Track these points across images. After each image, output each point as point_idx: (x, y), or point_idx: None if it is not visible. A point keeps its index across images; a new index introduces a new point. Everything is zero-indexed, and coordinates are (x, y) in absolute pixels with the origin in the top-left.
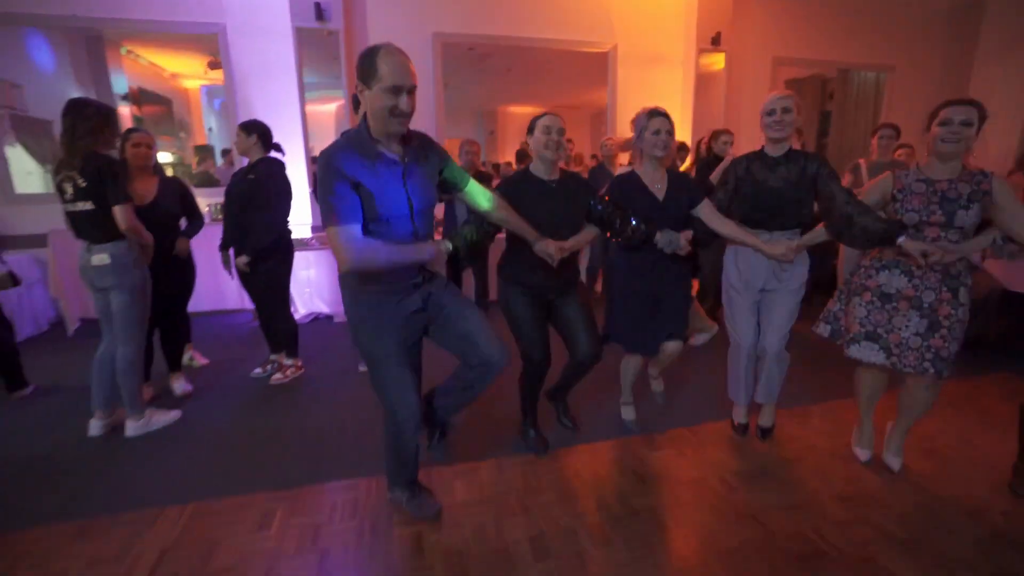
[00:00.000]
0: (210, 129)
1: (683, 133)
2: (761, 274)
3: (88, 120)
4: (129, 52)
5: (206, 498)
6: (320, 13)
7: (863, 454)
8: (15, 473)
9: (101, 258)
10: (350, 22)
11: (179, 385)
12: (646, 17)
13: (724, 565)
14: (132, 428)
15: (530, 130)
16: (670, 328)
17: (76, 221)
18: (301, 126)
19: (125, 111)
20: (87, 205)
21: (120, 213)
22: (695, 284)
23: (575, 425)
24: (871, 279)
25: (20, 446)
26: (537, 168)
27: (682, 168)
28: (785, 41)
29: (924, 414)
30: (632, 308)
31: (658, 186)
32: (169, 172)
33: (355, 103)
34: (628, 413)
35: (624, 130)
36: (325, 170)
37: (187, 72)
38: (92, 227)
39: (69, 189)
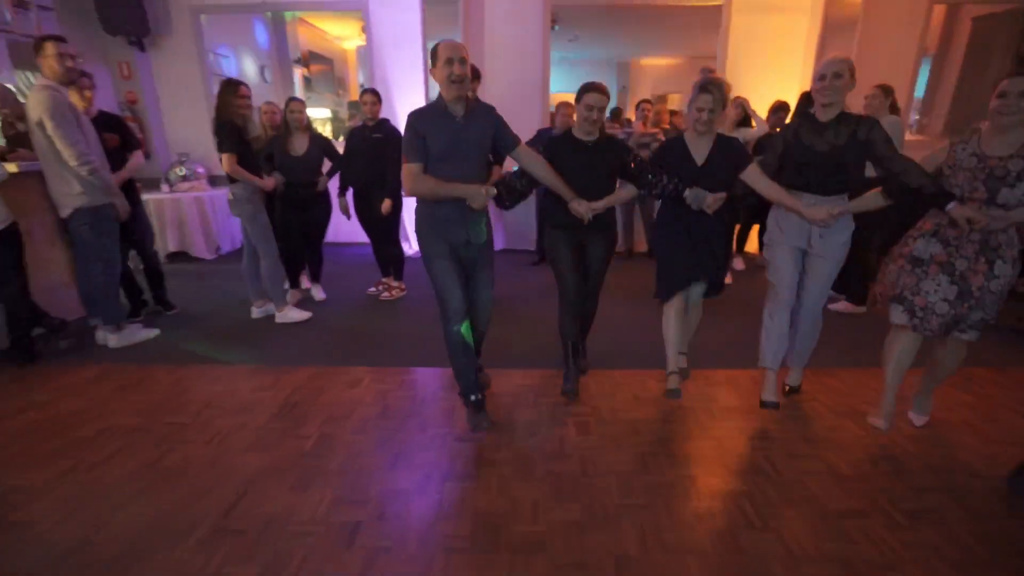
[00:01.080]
0: (362, 85)
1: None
2: (802, 234)
3: (218, 95)
4: (301, 19)
5: (322, 365)
6: None
7: (878, 423)
8: (218, 336)
9: (228, 195)
10: None
11: (317, 293)
12: None
13: (672, 463)
14: (279, 317)
15: (577, 99)
16: (701, 270)
17: None
18: (424, 85)
19: (298, 72)
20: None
21: (224, 160)
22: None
23: (586, 368)
24: (906, 247)
25: (222, 320)
26: (579, 131)
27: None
28: None
29: (948, 375)
30: (669, 250)
31: (701, 152)
32: (328, 126)
33: (474, 74)
34: (672, 382)
35: (733, 84)
36: (406, 125)
37: (346, 35)
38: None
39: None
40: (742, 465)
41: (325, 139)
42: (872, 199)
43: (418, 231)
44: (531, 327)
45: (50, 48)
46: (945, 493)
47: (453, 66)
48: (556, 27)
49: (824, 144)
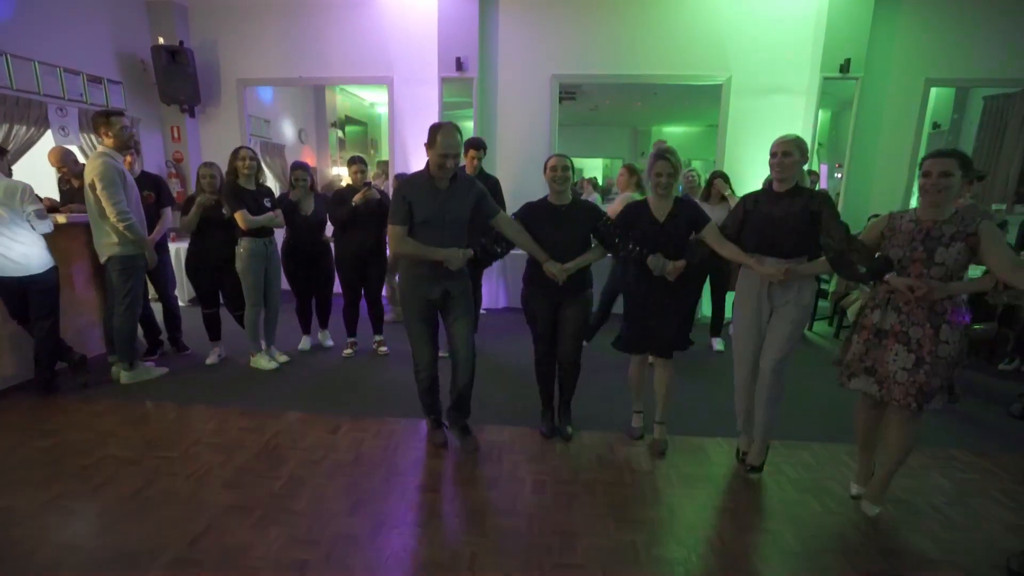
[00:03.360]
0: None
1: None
2: (763, 304)
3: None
4: (341, 89)
5: (307, 411)
6: (460, 65)
7: (855, 489)
8: (220, 378)
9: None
10: (484, 71)
11: (326, 340)
12: (764, 47)
13: (619, 527)
14: (251, 362)
15: (544, 169)
16: (653, 344)
17: None
18: None
19: (335, 134)
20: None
21: (239, 218)
22: None
23: (571, 435)
24: (867, 318)
25: (226, 363)
26: (551, 197)
27: None
28: (949, 59)
29: (905, 457)
30: (632, 311)
31: (661, 212)
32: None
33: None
34: (636, 420)
35: (736, 159)
36: (394, 190)
37: (379, 101)
38: None
39: None
40: (688, 534)
41: (326, 196)
42: (818, 266)
43: (401, 291)
44: (513, 386)
45: (118, 121)
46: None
47: (447, 160)
48: (576, 97)
49: (780, 211)
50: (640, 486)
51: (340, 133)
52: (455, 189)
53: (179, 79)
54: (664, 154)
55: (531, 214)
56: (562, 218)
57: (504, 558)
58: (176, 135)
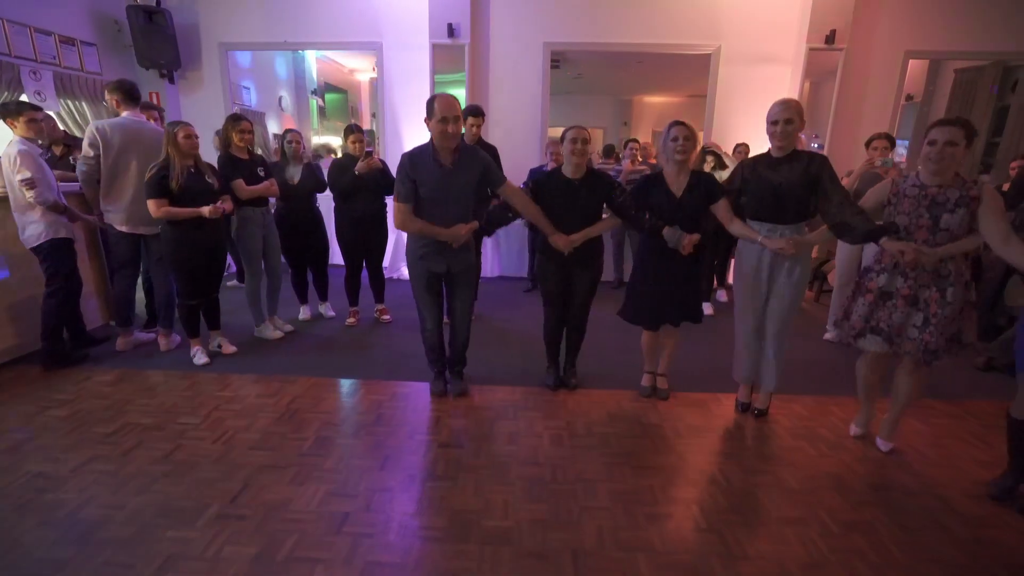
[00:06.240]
0: (373, 115)
1: None
2: (764, 265)
3: (223, 130)
4: (320, 54)
5: (322, 376)
6: (452, 31)
7: (855, 430)
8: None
9: None
10: (475, 38)
11: (326, 311)
12: (753, 17)
13: (635, 473)
14: (255, 332)
15: (562, 139)
16: (670, 314)
17: None
18: None
19: (314, 102)
20: None
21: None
22: None
23: (575, 385)
24: (872, 282)
25: (230, 332)
26: (566, 168)
27: None
28: (927, 32)
29: (912, 401)
30: (641, 285)
31: (678, 186)
32: (339, 153)
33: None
34: (645, 380)
35: (723, 129)
36: (399, 167)
37: (360, 68)
38: None
39: None
40: (699, 477)
41: (315, 166)
42: (821, 235)
43: (407, 260)
44: (518, 349)
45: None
46: (880, 508)
47: (447, 125)
48: (560, 65)
49: (779, 177)
50: (651, 437)
51: (320, 101)
52: (459, 164)
53: (157, 41)
54: (679, 121)
55: (544, 186)
56: (577, 191)
57: (533, 503)
58: (155, 102)
